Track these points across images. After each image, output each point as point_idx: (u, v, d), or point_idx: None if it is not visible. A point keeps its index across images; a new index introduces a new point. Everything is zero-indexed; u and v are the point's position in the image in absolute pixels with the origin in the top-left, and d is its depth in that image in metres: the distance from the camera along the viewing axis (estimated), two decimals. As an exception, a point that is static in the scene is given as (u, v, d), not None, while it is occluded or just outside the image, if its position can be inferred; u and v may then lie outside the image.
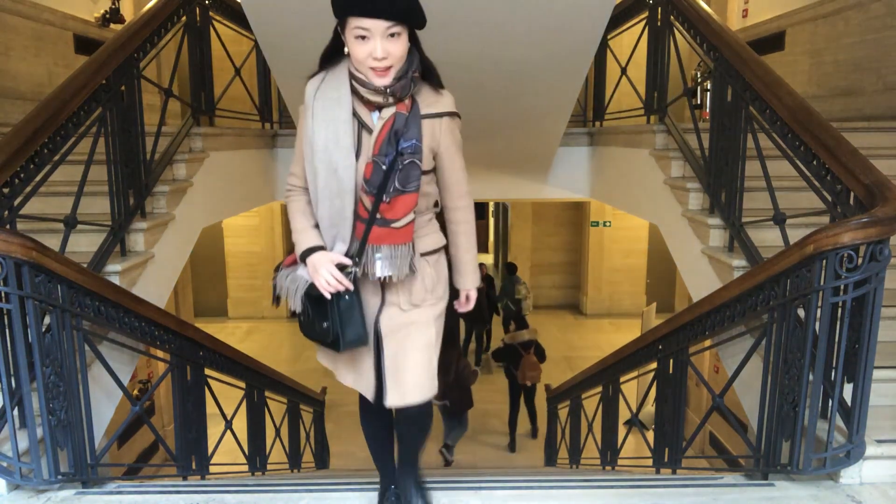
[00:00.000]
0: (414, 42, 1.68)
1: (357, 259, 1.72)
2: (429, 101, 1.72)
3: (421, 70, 1.71)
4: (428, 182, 1.78)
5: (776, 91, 2.64)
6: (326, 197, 1.70)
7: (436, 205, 1.89)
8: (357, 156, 1.69)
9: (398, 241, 1.71)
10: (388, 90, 1.64)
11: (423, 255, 1.82)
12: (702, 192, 3.41)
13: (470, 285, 1.97)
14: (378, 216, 1.69)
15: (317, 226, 1.77)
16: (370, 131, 1.69)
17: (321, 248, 1.74)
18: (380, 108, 1.69)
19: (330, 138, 1.66)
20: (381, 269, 1.72)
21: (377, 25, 1.57)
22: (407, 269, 1.73)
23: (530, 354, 7.01)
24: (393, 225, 1.70)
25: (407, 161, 1.66)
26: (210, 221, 4.15)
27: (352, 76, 1.67)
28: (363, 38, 1.59)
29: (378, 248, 1.71)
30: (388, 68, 1.62)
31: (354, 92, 1.68)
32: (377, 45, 1.59)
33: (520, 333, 7.20)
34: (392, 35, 1.59)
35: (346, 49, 1.65)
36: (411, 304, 1.82)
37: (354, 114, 1.69)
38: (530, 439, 7.41)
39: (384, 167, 1.65)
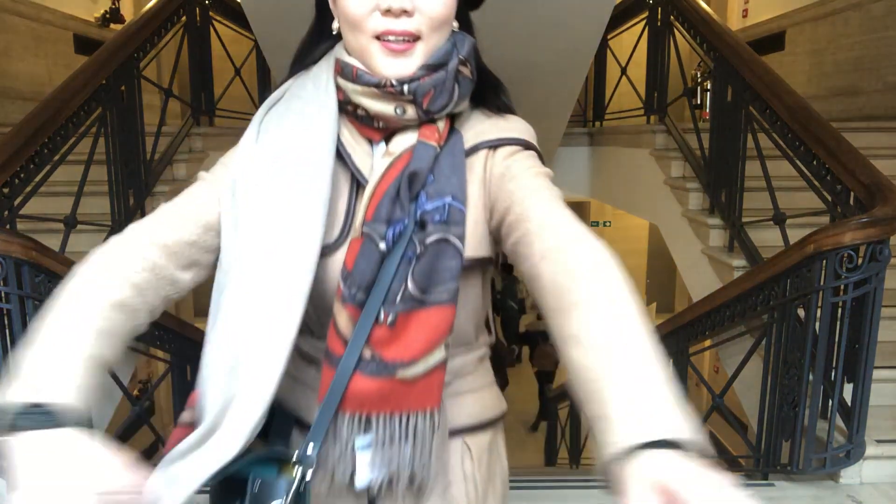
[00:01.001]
0: (465, 23, 0.86)
1: (308, 454, 0.77)
2: (481, 127, 0.86)
3: (474, 76, 0.84)
4: (481, 284, 0.89)
5: (776, 91, 2.65)
6: (240, 305, 0.78)
7: (489, 329, 0.96)
8: (341, 233, 0.82)
9: (410, 406, 0.78)
10: (405, 88, 0.78)
11: (460, 432, 0.88)
12: (702, 192, 3.41)
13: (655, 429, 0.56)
14: (369, 354, 0.77)
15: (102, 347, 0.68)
16: (363, 181, 0.82)
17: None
18: (388, 135, 0.83)
19: (280, 188, 0.79)
20: (369, 469, 0.80)
21: None
22: (428, 468, 0.80)
23: (547, 344, 7.29)
24: (401, 374, 0.76)
25: (433, 239, 0.77)
26: (210, 221, 4.15)
27: (340, 71, 0.81)
28: None
29: (365, 424, 0.78)
30: (413, 41, 0.78)
31: (343, 109, 0.83)
32: None
33: (541, 322, 7.58)
34: None
35: (334, 23, 0.84)
36: None
37: (339, 151, 0.82)
38: (530, 434, 7.47)
39: (381, 247, 0.78)
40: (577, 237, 0.73)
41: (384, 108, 0.80)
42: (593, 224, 11.61)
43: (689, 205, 3.49)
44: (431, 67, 0.79)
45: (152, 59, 3.43)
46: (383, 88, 0.78)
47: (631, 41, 4.68)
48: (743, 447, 2.66)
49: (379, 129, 0.83)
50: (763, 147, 2.79)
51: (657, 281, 11.28)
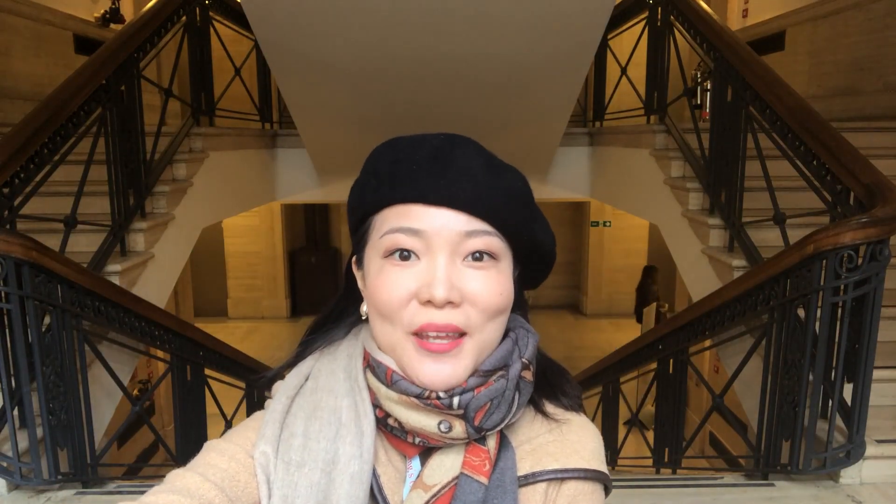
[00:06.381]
0: (517, 303, 0.70)
1: None
2: (539, 439, 0.70)
3: (536, 377, 0.71)
4: None
5: (776, 91, 2.65)
6: None
7: None
8: None
9: None
10: (455, 402, 0.63)
11: None
12: (702, 192, 3.41)
13: None
14: None
15: None
16: None
17: None
18: (424, 450, 0.67)
19: None
20: None
21: (442, 221, 0.63)
22: None
23: None
24: None
25: None
26: (210, 221, 4.15)
27: (371, 368, 0.68)
28: (405, 255, 0.64)
29: None
30: (458, 336, 0.63)
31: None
32: (438, 267, 0.63)
33: None
34: (476, 257, 0.64)
35: (362, 306, 0.70)
36: None
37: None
38: None
39: None
40: None
41: (425, 423, 0.64)
42: (593, 224, 11.61)
43: (689, 205, 3.49)
44: (487, 374, 0.65)
45: (152, 59, 3.43)
46: (425, 400, 0.63)
47: (631, 41, 4.68)
48: (743, 447, 2.66)
49: (414, 445, 0.66)
50: (763, 147, 2.79)
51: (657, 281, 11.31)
